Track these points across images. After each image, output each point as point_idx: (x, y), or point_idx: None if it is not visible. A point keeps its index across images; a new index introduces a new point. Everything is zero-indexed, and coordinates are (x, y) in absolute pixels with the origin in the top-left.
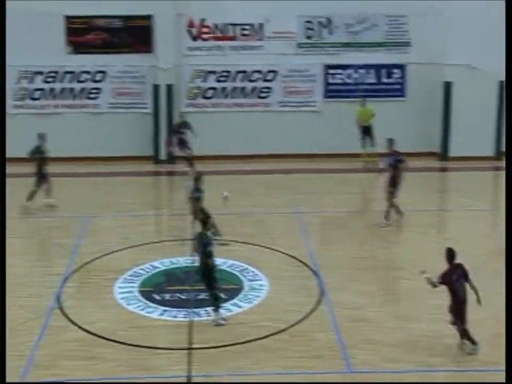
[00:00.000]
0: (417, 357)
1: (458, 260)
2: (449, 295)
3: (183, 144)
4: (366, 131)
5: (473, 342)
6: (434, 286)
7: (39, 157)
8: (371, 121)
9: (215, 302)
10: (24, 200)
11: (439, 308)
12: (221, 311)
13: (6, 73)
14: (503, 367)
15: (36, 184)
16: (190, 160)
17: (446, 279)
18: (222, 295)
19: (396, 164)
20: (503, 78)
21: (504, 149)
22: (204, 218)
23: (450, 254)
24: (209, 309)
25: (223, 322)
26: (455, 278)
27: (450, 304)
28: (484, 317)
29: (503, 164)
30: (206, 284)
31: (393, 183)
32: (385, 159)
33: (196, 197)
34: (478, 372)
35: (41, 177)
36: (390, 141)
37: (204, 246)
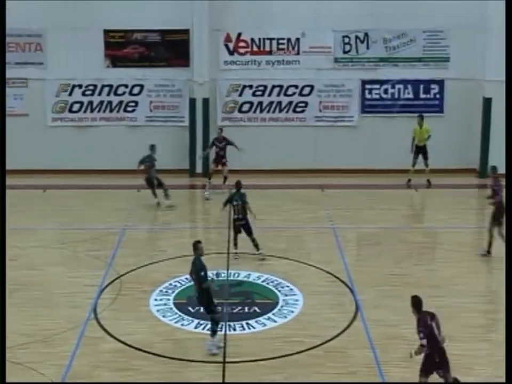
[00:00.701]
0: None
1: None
2: (429, 349)
3: (219, 159)
4: (421, 151)
5: None
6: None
7: (148, 165)
8: (427, 142)
9: (213, 326)
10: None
11: (475, 327)
12: (217, 337)
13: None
14: None
15: (156, 186)
16: (225, 176)
17: (427, 330)
18: (256, 309)
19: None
20: None
21: None
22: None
23: (417, 302)
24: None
25: (216, 351)
26: (435, 328)
27: (424, 362)
28: None
29: None
30: (204, 307)
31: (500, 212)
32: (494, 188)
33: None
34: None
35: (152, 182)
36: (494, 168)
37: (198, 270)
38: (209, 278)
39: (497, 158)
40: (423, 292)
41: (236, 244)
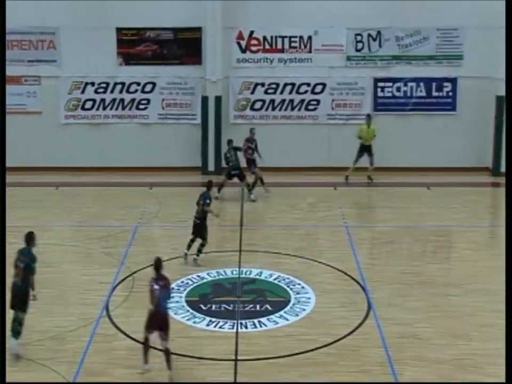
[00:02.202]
0: (465, 375)
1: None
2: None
3: (252, 161)
4: (366, 150)
5: (145, 361)
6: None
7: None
8: (372, 141)
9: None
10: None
11: (489, 325)
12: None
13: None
14: None
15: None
16: (260, 177)
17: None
18: (268, 307)
19: None
20: None
21: None
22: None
23: (158, 264)
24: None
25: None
26: (156, 287)
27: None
28: None
29: None
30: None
31: None
32: None
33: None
34: None
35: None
36: None
37: (31, 260)
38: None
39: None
40: (437, 290)
41: (188, 245)
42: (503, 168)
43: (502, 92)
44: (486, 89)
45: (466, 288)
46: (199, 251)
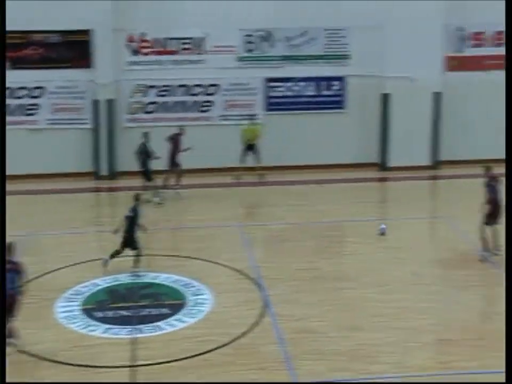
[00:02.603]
0: (361, 365)
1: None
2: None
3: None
4: (251, 148)
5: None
6: None
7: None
8: (256, 140)
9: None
10: None
11: (380, 315)
12: None
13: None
14: (441, 372)
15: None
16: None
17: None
18: (165, 311)
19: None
20: (437, 89)
21: (440, 159)
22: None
23: (9, 248)
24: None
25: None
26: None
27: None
28: (427, 323)
29: (439, 172)
30: None
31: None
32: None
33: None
34: (417, 377)
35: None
36: (487, 168)
37: None
38: None
39: (396, 152)
40: (332, 284)
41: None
42: (389, 163)
43: (387, 90)
44: (372, 87)
45: (358, 281)
46: (136, 261)
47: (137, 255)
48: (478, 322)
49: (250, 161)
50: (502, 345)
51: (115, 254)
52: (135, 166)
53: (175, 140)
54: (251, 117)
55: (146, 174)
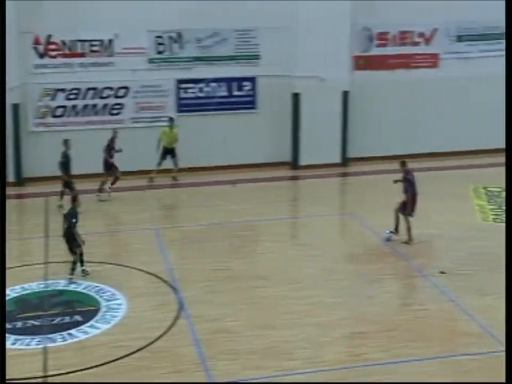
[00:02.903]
0: (275, 363)
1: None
2: None
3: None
4: (169, 152)
5: None
6: None
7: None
8: (175, 145)
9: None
10: None
11: (292, 313)
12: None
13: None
14: (354, 365)
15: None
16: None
17: None
18: (78, 318)
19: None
20: (346, 88)
21: (349, 156)
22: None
23: None
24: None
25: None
26: None
27: None
28: (338, 317)
29: (348, 169)
30: None
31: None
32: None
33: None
34: (331, 371)
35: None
36: (403, 163)
37: None
38: None
39: (307, 151)
40: (245, 284)
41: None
42: (301, 162)
43: (297, 89)
44: (282, 87)
45: (271, 279)
46: (81, 262)
47: (79, 259)
48: (389, 314)
49: (167, 165)
50: (412, 335)
51: (75, 263)
52: (43, 172)
53: (110, 143)
54: (170, 120)
55: (68, 182)
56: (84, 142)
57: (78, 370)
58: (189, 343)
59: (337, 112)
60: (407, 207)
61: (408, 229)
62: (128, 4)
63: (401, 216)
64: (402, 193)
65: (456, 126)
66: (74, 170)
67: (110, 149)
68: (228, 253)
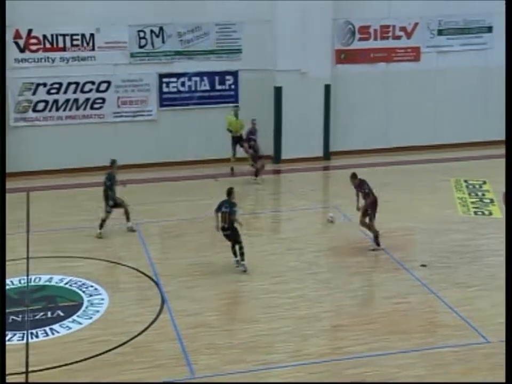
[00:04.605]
0: (256, 356)
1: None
2: None
3: (258, 151)
4: (238, 140)
5: None
6: None
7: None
8: (241, 132)
9: None
10: None
11: (275, 306)
12: None
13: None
14: (336, 358)
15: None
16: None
17: None
18: (60, 313)
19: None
20: (327, 81)
21: (331, 149)
22: None
23: None
24: None
25: None
26: None
27: None
28: (320, 310)
29: (330, 163)
30: None
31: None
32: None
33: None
34: (312, 364)
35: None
36: (353, 175)
37: None
38: None
39: (289, 144)
40: (226, 278)
41: (233, 253)
42: (283, 156)
43: (279, 83)
44: (264, 81)
45: (253, 273)
46: (242, 256)
47: (241, 248)
48: (370, 307)
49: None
50: (391, 328)
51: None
52: (24, 167)
53: (250, 134)
54: (235, 108)
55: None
56: (65, 136)
57: (60, 366)
58: (170, 338)
59: (319, 106)
60: (368, 213)
61: (376, 237)
62: None
63: (367, 224)
64: (363, 201)
65: (437, 119)
66: (54, 165)
67: (249, 140)
68: (208, 247)
